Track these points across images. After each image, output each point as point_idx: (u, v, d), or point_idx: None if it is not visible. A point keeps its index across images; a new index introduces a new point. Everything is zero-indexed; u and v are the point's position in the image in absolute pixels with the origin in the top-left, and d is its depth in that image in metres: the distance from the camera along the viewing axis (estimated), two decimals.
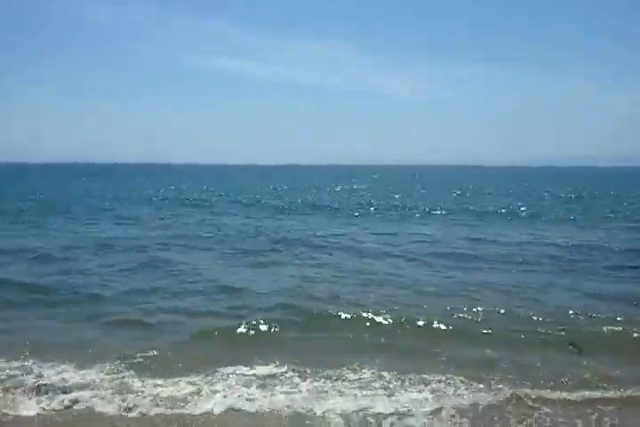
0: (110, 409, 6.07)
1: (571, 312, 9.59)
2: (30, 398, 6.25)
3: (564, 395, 6.48)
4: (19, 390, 6.47)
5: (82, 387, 6.63)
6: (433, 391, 6.60)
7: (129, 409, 6.07)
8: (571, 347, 8.05)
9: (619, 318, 9.12)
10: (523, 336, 8.48)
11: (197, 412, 6.07)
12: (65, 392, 6.41)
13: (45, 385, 6.57)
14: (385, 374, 7.06)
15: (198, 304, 10.25)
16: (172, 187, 54.79)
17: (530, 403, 6.30)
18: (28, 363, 7.32)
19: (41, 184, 58.52)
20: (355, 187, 61.35)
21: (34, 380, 6.77)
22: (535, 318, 9.28)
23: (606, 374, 7.04)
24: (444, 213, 29.48)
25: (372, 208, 32.32)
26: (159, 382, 6.80)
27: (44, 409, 6.04)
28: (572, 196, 45.37)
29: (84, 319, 9.33)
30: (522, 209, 31.17)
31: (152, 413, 6.00)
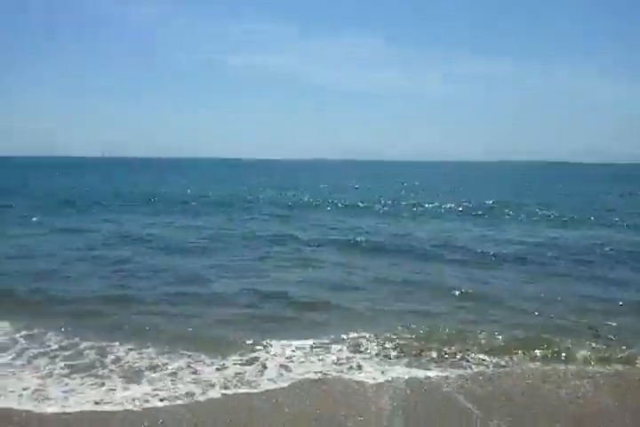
0: (182, 394, 7.05)
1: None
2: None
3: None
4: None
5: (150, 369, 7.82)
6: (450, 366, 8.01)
7: (194, 394, 7.03)
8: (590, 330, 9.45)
9: None
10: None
11: (263, 388, 7.25)
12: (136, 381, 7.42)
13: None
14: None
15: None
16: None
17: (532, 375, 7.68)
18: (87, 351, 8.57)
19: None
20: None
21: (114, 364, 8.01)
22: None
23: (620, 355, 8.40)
24: (463, 210, 30.67)
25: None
26: (221, 363, 8.07)
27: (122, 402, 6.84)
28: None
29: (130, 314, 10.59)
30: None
31: (220, 395, 7.07)
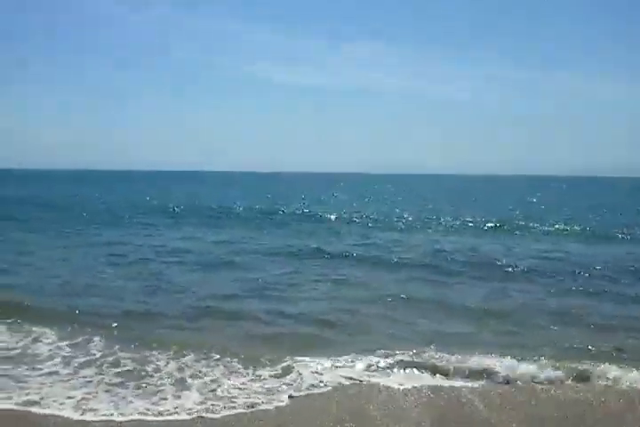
0: (241, 403, 7.53)
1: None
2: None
3: None
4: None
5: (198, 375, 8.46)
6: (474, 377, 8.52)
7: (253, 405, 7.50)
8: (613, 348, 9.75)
9: None
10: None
11: (306, 393, 7.90)
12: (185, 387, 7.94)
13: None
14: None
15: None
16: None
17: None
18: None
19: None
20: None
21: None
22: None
23: None
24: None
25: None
26: (258, 373, 8.60)
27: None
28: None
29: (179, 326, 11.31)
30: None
31: (286, 401, 7.63)
